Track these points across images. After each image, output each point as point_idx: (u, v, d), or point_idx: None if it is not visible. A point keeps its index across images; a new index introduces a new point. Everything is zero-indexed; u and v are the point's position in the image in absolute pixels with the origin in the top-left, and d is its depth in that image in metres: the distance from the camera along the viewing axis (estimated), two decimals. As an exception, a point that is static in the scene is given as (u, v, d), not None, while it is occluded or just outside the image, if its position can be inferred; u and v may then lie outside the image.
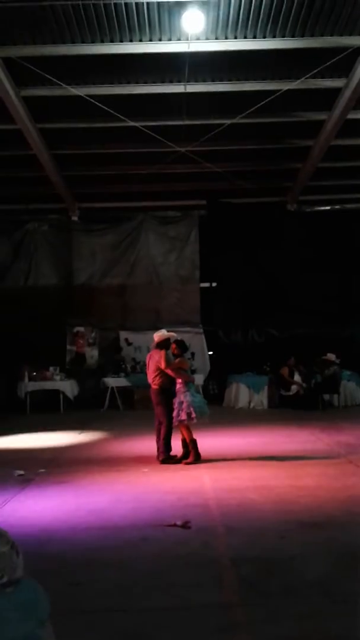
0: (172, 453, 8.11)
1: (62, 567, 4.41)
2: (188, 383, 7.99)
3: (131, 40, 9.06)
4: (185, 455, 7.95)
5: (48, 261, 15.83)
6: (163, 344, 8.20)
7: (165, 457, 7.99)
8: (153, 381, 8.21)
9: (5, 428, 11.45)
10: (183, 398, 7.80)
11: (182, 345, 8.38)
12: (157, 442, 8.19)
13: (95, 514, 5.75)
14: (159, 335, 8.32)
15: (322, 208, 16.45)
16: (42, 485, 6.95)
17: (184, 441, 7.98)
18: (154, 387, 8.20)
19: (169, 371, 7.97)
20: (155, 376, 8.15)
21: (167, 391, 8.03)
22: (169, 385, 8.03)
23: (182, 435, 7.95)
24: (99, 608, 3.73)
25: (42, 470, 7.66)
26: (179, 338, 8.74)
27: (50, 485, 6.90)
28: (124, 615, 3.63)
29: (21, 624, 2.05)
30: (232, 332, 15.49)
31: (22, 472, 7.46)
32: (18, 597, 2.26)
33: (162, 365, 7.98)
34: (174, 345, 8.25)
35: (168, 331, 8.61)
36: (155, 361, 8.17)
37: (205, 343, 15.54)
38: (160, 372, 8.07)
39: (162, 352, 8.06)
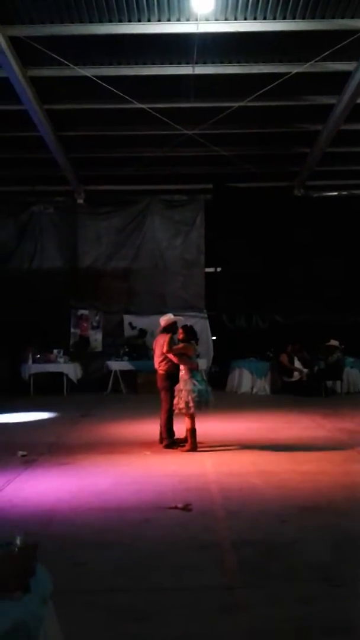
0: (176, 437, 8.13)
1: (65, 547, 4.45)
2: (192, 370, 7.82)
3: (139, 20, 8.95)
4: (186, 441, 7.95)
5: (53, 244, 15.78)
6: (169, 328, 8.14)
7: (169, 442, 8.01)
8: (159, 366, 8.17)
9: (9, 409, 11.54)
10: (183, 386, 7.68)
11: (189, 331, 8.15)
12: (161, 426, 8.20)
13: (97, 495, 5.80)
14: (165, 319, 8.26)
15: (330, 194, 16.32)
16: (45, 466, 7.00)
17: None
18: (160, 372, 8.17)
19: (171, 356, 7.90)
20: (161, 361, 8.11)
21: (173, 376, 7.98)
22: (175, 370, 7.95)
23: (185, 421, 7.92)
24: (102, 588, 3.77)
25: (45, 451, 7.71)
26: (187, 323, 8.65)
27: (53, 466, 6.95)
28: (126, 595, 3.67)
29: (26, 602, 2.08)
30: (236, 318, 15.49)
31: (25, 452, 7.52)
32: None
33: (165, 349, 7.95)
34: (180, 330, 8.14)
35: (175, 315, 8.57)
36: (160, 345, 8.12)
37: (209, 328, 15.54)
38: (166, 357, 8.02)
39: (167, 336, 8.02)
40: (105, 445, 8.16)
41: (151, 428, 8.68)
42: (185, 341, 8.01)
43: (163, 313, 15.17)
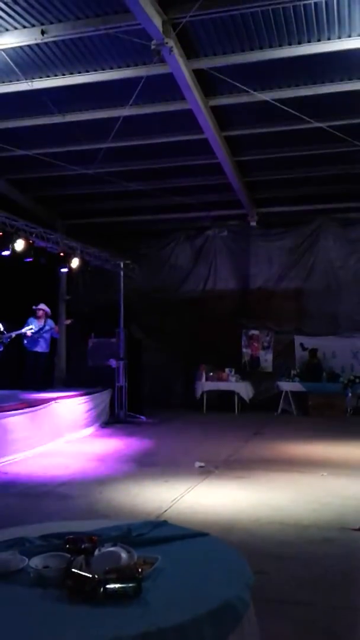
0: None
1: (246, 556, 4.49)
2: None
3: (319, 40, 8.94)
4: None
5: (226, 266, 16.24)
6: None
7: None
8: None
9: (182, 422, 11.99)
10: None
11: None
12: None
13: (275, 510, 5.79)
14: None
15: None
16: (222, 478, 7.15)
17: None
18: None
19: None
20: None
21: None
22: None
23: None
24: (286, 599, 3.76)
25: (221, 464, 7.88)
26: None
27: (230, 479, 7.07)
28: (313, 609, 3.61)
29: (232, 585, 2.18)
30: None
31: (202, 464, 7.76)
32: (227, 563, 2.41)
33: None
34: None
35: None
36: None
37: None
38: None
39: None
40: (279, 463, 8.13)
41: (323, 450, 8.47)
42: None
43: (336, 334, 14.88)
